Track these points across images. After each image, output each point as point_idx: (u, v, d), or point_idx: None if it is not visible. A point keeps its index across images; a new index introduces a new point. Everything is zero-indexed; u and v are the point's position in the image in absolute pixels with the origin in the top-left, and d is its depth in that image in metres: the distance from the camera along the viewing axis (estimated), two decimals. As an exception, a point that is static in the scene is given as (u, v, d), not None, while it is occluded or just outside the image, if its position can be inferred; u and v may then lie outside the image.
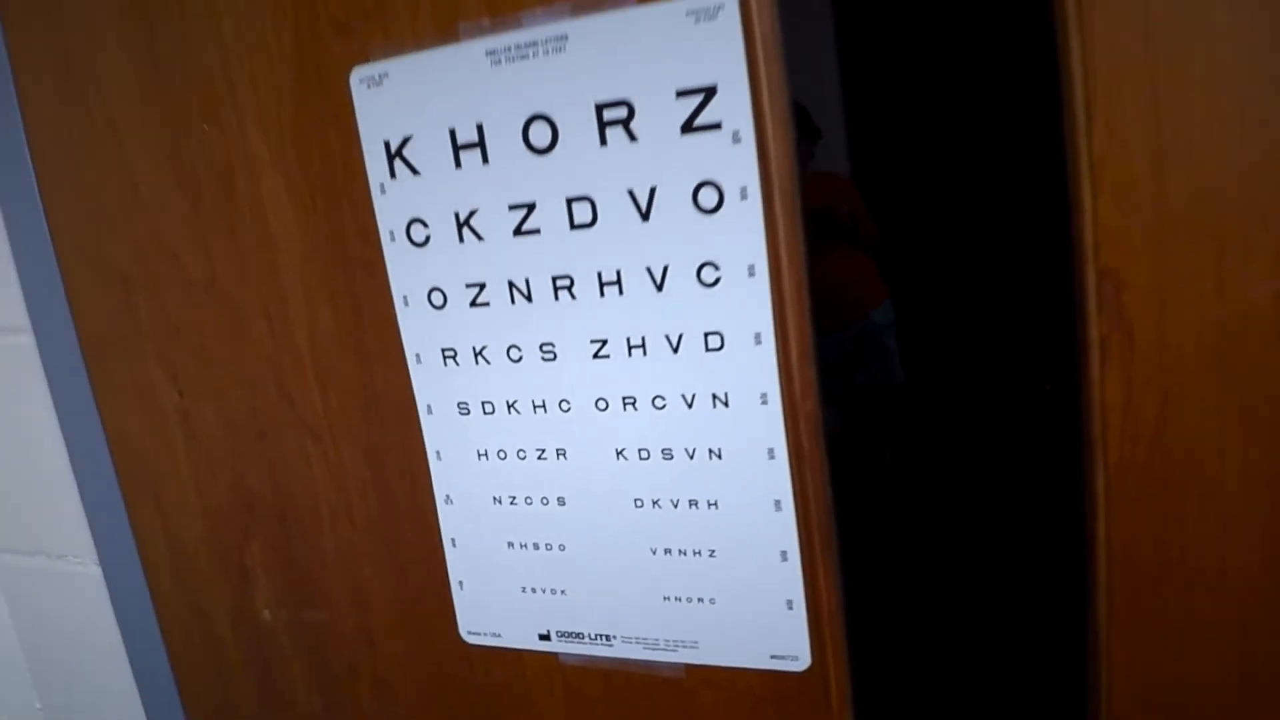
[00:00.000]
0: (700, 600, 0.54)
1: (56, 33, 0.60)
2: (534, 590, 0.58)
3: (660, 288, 0.49)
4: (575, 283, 0.50)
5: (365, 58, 0.51)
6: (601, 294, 0.50)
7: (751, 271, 0.47)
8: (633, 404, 0.52)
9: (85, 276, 0.65)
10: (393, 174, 0.53)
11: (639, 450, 0.53)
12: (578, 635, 0.58)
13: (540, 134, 0.49)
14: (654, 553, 0.54)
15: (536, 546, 0.58)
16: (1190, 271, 0.41)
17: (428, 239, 0.53)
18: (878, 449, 1.37)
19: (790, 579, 0.52)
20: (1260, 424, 0.41)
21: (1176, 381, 0.42)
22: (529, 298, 0.52)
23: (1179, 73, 0.39)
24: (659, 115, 0.46)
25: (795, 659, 0.53)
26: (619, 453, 0.53)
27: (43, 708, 0.88)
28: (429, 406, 0.58)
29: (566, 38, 0.47)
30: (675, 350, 0.50)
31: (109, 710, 0.82)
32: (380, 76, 0.51)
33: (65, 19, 0.60)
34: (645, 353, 0.50)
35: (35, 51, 0.62)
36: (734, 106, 0.45)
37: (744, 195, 0.46)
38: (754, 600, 0.53)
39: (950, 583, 1.12)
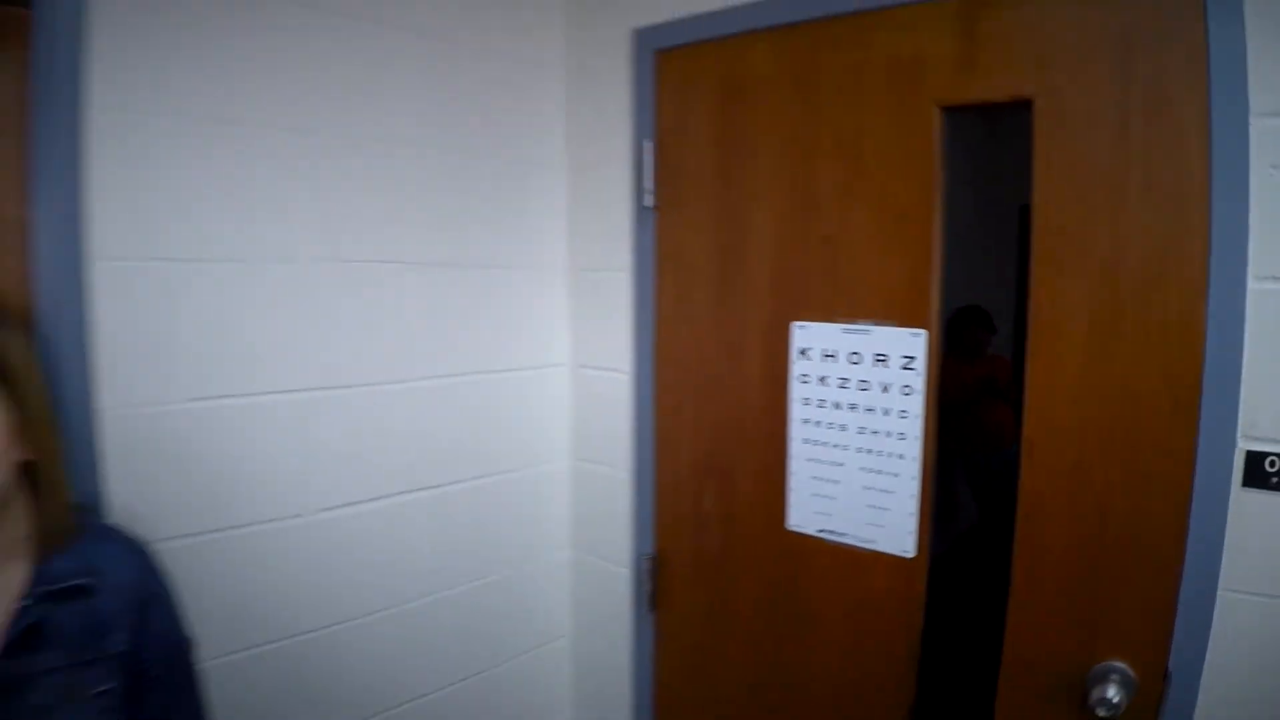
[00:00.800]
0: (879, 526, 1.51)
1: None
2: (819, 505, 1.57)
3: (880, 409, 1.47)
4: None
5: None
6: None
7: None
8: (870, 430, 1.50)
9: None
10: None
11: (874, 449, 1.50)
12: (834, 531, 1.57)
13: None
14: (867, 490, 1.52)
15: (822, 481, 1.56)
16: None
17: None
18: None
19: (914, 518, 1.47)
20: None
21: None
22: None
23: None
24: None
25: (908, 552, 1.49)
26: (859, 449, 1.51)
27: (573, 462, 1.94)
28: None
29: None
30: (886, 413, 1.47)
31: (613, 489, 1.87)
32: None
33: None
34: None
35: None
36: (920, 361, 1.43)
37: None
38: (901, 528, 1.49)
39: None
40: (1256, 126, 1.12)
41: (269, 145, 1.41)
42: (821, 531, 1.57)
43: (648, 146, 1.72)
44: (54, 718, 0.93)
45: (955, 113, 1.37)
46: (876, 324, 1.47)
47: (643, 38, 1.72)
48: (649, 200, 1.73)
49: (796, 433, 1.59)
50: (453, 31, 1.65)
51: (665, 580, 1.83)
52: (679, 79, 1.68)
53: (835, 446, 1.54)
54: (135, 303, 1.27)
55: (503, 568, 1.87)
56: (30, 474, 0.98)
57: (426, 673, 1.74)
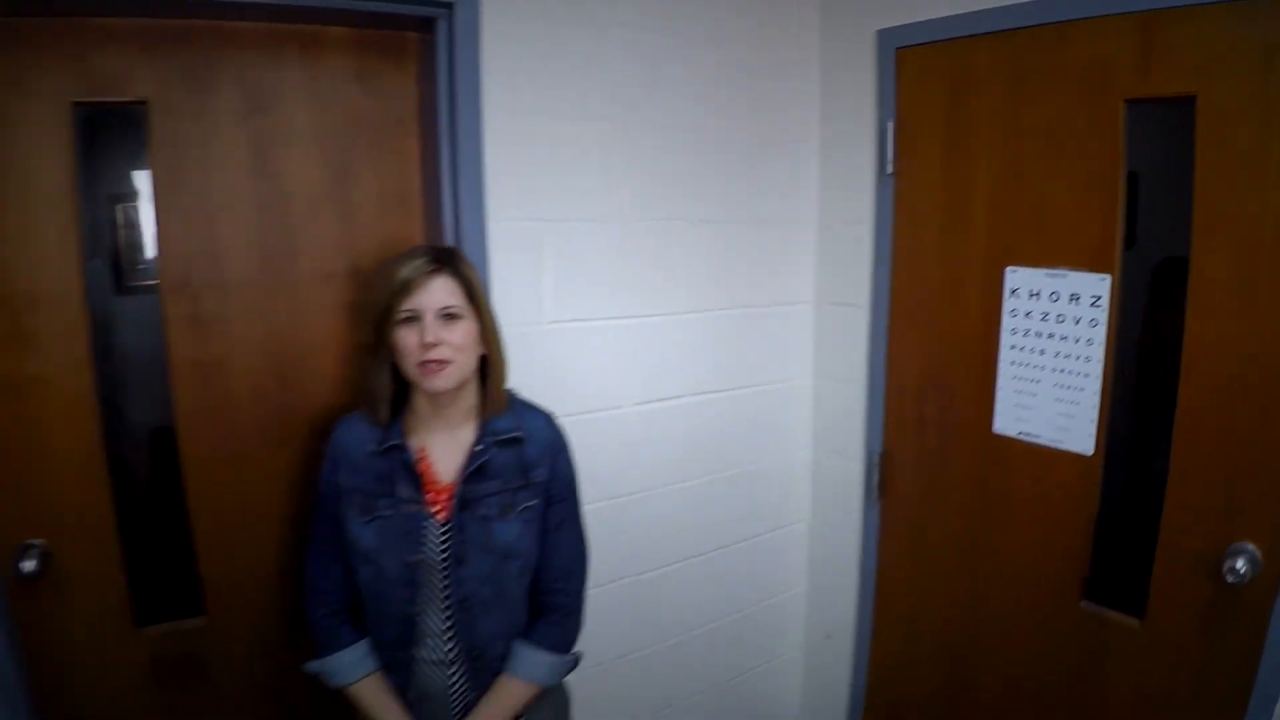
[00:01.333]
0: (1066, 430, 1.90)
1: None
2: (1019, 413, 1.99)
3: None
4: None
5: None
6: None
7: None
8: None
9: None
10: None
11: (1065, 369, 1.90)
12: (1030, 433, 1.98)
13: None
14: (1058, 401, 1.91)
15: (1023, 394, 1.97)
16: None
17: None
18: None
19: (1094, 424, 1.86)
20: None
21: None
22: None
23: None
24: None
25: (1088, 451, 1.87)
26: (1053, 369, 1.91)
27: (815, 379, 2.44)
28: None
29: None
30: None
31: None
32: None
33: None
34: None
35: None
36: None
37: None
38: (1083, 432, 1.88)
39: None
40: None
41: (597, 132, 1.97)
42: (1020, 434, 1.99)
43: (890, 125, 2.16)
44: (494, 525, 1.49)
45: (1135, 105, 1.71)
46: (1071, 270, 1.86)
47: (885, 38, 2.15)
48: (889, 168, 2.18)
49: (1005, 355, 2.00)
50: (725, 37, 2.15)
51: (889, 473, 2.31)
52: (915, 72, 2.10)
53: (1034, 367, 1.95)
54: (516, 251, 1.89)
55: (757, 460, 2.42)
56: (481, 364, 1.54)
57: (699, 535, 2.33)
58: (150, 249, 1.71)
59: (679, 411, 2.22)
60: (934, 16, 2.03)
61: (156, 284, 1.67)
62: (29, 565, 1.61)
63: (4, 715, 1.57)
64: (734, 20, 2.16)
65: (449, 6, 1.75)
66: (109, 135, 1.68)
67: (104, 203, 1.73)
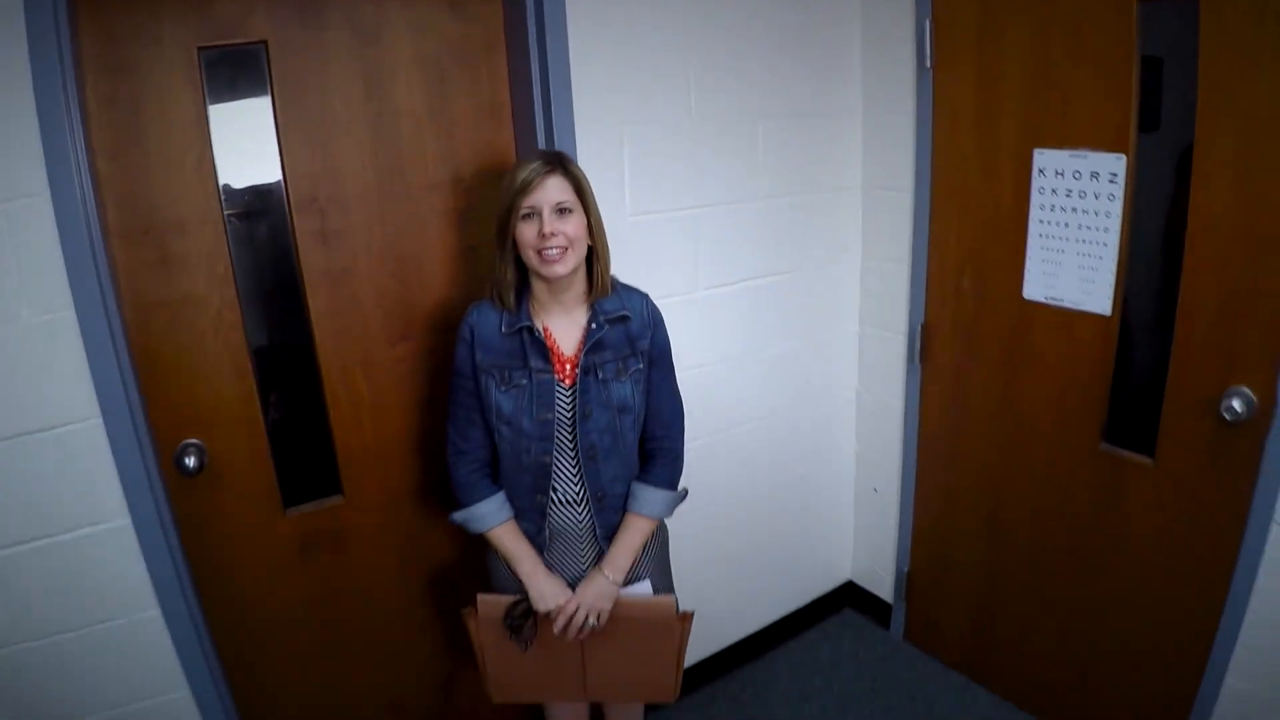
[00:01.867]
0: (1087, 294, 2.15)
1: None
2: (1046, 280, 2.24)
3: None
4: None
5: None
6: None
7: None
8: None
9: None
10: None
11: (1086, 239, 2.14)
12: (1056, 298, 2.23)
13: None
14: (1080, 268, 2.16)
15: (1049, 263, 2.22)
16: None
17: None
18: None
19: (1111, 287, 2.11)
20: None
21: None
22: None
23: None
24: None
25: (1106, 312, 2.12)
26: (1076, 239, 2.15)
27: (862, 260, 2.73)
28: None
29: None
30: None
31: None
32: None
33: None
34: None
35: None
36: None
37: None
38: (1102, 294, 2.13)
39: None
40: None
41: (669, 41, 2.19)
42: (1048, 298, 2.24)
43: (927, 24, 2.34)
44: (611, 385, 1.77)
45: (1146, 3, 1.90)
46: (1091, 150, 2.07)
47: (924, -57, 2.31)
48: (928, 63, 2.37)
49: (1034, 229, 2.23)
50: None
51: (929, 342, 2.58)
52: (951, -26, 2.28)
53: (1060, 239, 2.18)
54: (600, 153, 2.08)
55: (811, 335, 2.70)
56: (588, 255, 1.78)
57: (761, 402, 2.64)
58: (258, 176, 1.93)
59: (743, 293, 2.49)
60: (968, -79, 2.18)
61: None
62: (191, 462, 1.90)
63: (168, 597, 1.87)
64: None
65: (531, -65, 1.92)
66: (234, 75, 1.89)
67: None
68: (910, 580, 2.85)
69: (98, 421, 1.73)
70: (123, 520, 1.79)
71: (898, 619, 2.93)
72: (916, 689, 2.71)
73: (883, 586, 2.97)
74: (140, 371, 1.80)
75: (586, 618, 1.80)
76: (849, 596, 3.11)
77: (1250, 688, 2.01)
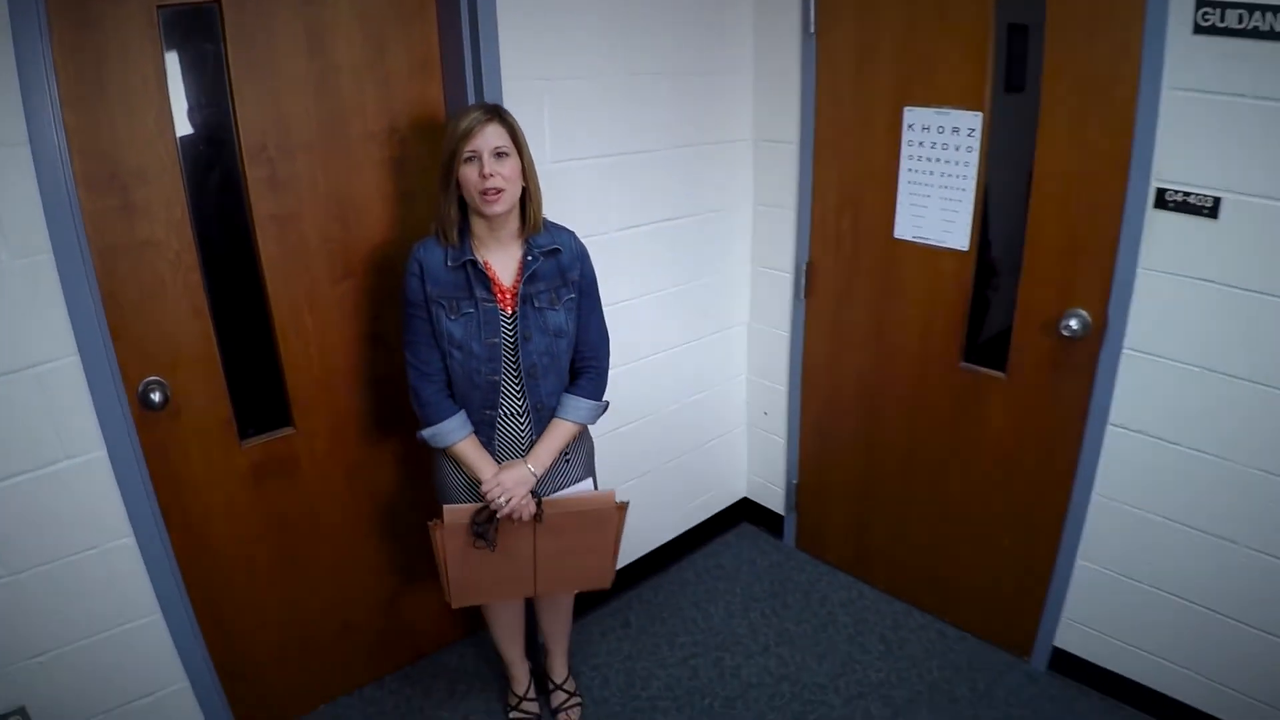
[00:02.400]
0: (948, 232, 2.51)
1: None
2: (914, 221, 2.59)
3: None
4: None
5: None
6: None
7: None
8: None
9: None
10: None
11: (948, 186, 2.50)
12: (922, 236, 2.59)
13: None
14: (942, 210, 2.52)
15: (917, 206, 2.57)
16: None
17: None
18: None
19: (968, 227, 2.47)
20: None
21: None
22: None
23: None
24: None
25: (964, 248, 2.49)
26: (939, 186, 2.51)
27: (754, 205, 3.05)
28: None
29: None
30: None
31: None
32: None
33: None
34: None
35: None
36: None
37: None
38: (961, 233, 2.49)
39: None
40: (1176, 1, 1.94)
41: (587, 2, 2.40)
42: (915, 237, 2.59)
43: (812, -7, 2.64)
44: (546, 313, 2.00)
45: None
46: (953, 108, 2.41)
47: (809, -85, 2.59)
48: (812, 29, 2.66)
49: (904, 177, 2.56)
50: None
51: (813, 279, 2.91)
52: (833, -54, 2.57)
53: (925, 185, 2.52)
54: (523, 104, 2.26)
55: (710, 274, 2.98)
56: (523, 195, 2.00)
57: (667, 334, 2.92)
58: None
59: (648, 235, 2.74)
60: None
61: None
62: (155, 398, 2.03)
63: (141, 526, 2.03)
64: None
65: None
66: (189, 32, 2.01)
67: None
68: (799, 493, 3.21)
69: (75, 359, 1.86)
70: (99, 453, 1.93)
71: (789, 528, 3.30)
72: (809, 587, 3.08)
73: (775, 500, 3.33)
74: (108, 312, 1.92)
75: (515, 499, 2.03)
76: (745, 511, 3.47)
77: (1099, 569, 2.43)
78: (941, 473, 2.73)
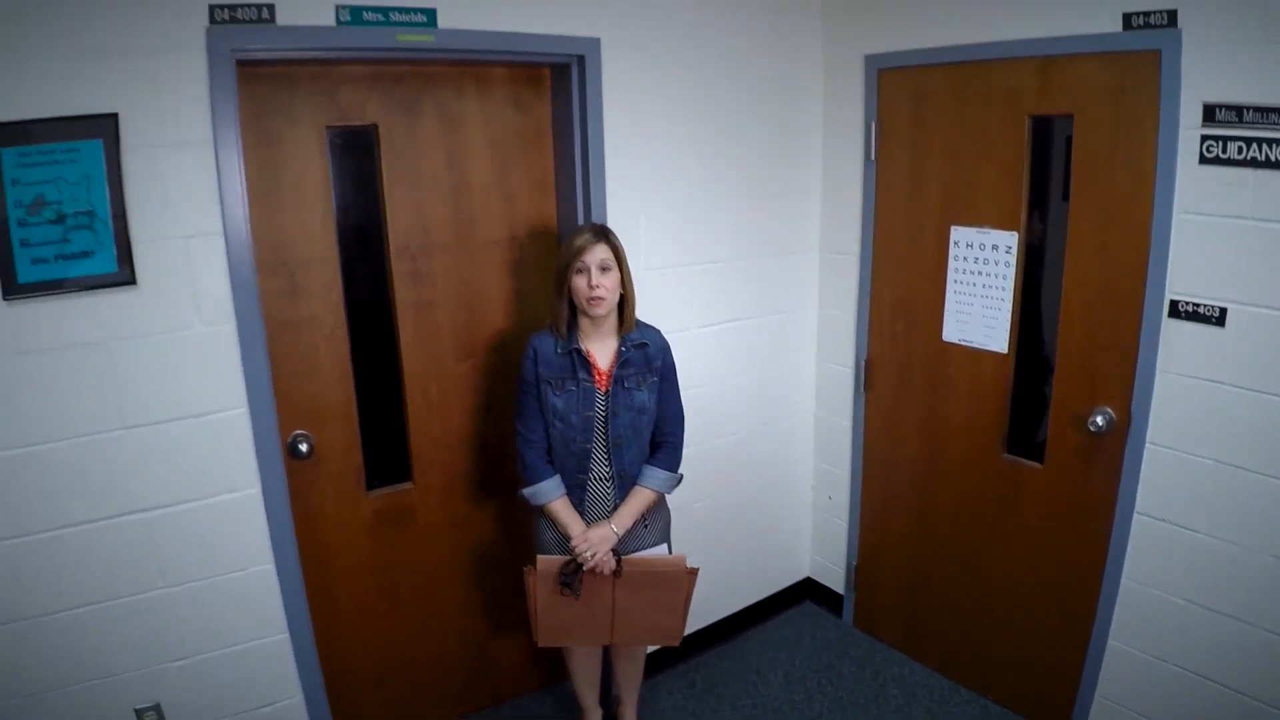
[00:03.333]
0: (989, 336, 2.83)
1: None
2: (959, 325, 2.92)
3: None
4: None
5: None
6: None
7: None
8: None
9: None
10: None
11: (988, 295, 2.83)
12: (966, 339, 2.91)
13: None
14: (984, 316, 2.85)
15: (961, 312, 2.90)
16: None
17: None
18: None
19: (1007, 331, 2.79)
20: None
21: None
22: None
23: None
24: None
25: (1004, 350, 2.80)
26: (981, 295, 2.84)
27: (819, 309, 3.40)
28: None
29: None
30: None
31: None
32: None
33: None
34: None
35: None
36: (1013, 248, 2.72)
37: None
38: (1000, 337, 2.81)
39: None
40: (1182, 136, 2.26)
41: (676, 136, 2.85)
42: (960, 340, 2.90)
43: (873, 125, 3.04)
44: (634, 393, 2.37)
45: (1036, 119, 2.60)
46: (993, 229, 2.76)
47: (870, 60, 3.01)
48: (872, 156, 3.06)
49: (951, 287, 2.90)
50: (759, 60, 3.01)
51: (871, 374, 3.24)
52: (891, 86, 2.97)
53: (969, 294, 2.85)
54: (622, 221, 2.70)
55: (776, 367, 3.34)
56: (621, 300, 2.38)
57: (741, 419, 3.26)
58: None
59: (726, 332, 3.13)
60: (906, 48, 2.88)
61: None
62: (303, 448, 2.46)
63: (281, 555, 2.39)
64: (764, 49, 3.02)
65: (581, 57, 2.58)
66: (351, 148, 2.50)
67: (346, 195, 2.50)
68: (857, 573, 3.46)
69: (244, 411, 2.27)
70: (254, 490, 2.32)
71: (848, 607, 3.53)
72: (863, 662, 3.30)
73: (835, 580, 3.58)
74: (273, 374, 2.34)
75: (599, 555, 2.34)
76: (808, 590, 3.71)
77: (1129, 649, 2.59)
78: (986, 556, 2.96)
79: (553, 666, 3.02)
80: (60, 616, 2.11)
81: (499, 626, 2.96)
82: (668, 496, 2.53)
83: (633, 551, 2.45)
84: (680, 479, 2.50)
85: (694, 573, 2.44)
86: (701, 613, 3.27)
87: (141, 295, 2.08)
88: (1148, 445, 2.44)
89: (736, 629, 3.47)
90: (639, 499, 2.43)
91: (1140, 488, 2.47)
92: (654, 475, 2.44)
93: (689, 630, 3.16)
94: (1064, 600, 2.74)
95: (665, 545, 2.52)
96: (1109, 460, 2.55)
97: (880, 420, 3.25)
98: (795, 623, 3.57)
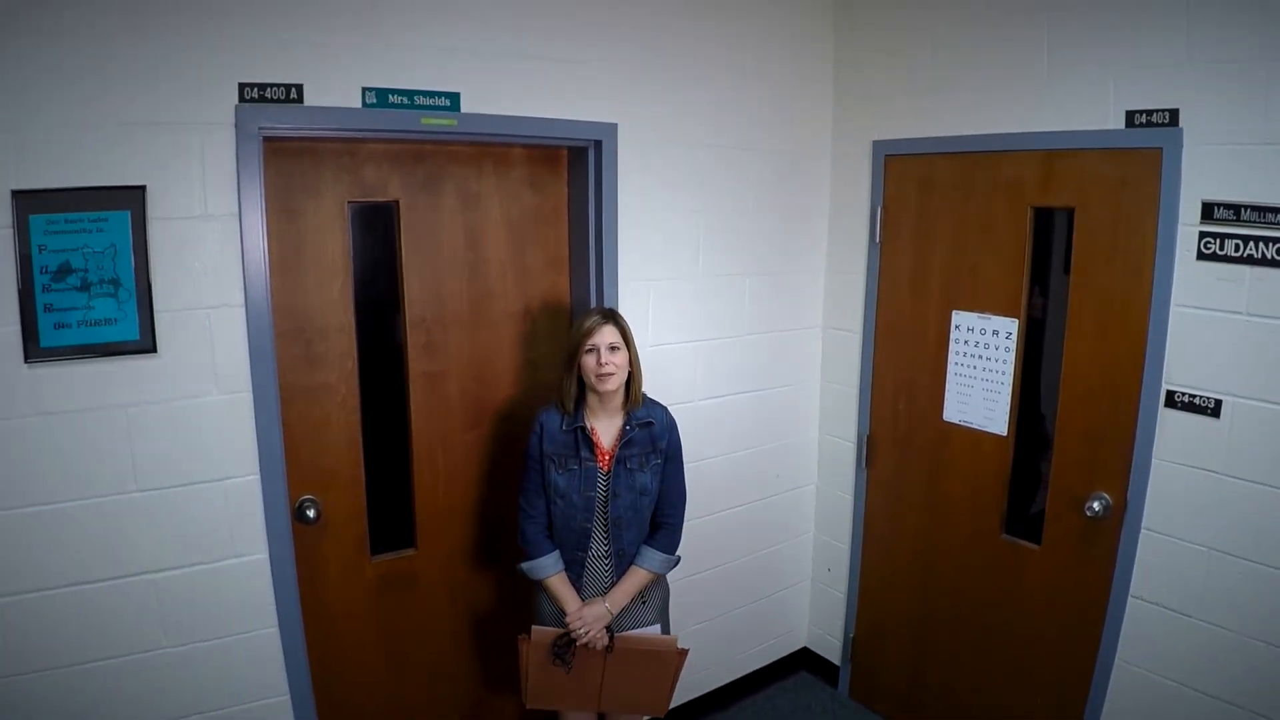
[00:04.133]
0: (989, 418, 2.88)
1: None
2: (960, 406, 2.97)
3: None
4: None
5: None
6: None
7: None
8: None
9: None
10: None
11: (988, 379, 2.88)
12: (967, 420, 2.96)
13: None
14: (984, 399, 2.90)
15: (962, 393, 2.95)
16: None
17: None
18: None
19: (1006, 414, 2.84)
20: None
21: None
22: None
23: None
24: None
25: (1003, 432, 2.85)
26: (982, 379, 2.89)
27: (821, 383, 3.46)
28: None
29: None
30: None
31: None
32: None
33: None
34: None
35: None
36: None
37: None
38: (1000, 418, 2.86)
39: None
40: (1181, 232, 2.34)
41: (688, 218, 2.92)
42: (960, 420, 2.95)
43: (878, 210, 3.12)
44: (636, 474, 2.40)
45: (1038, 210, 2.68)
46: (994, 314, 2.82)
47: (878, 147, 3.10)
48: (877, 239, 3.14)
49: (951, 369, 2.95)
50: (769, 142, 3.10)
51: (873, 449, 3.28)
52: (897, 172, 3.05)
53: (970, 377, 2.91)
54: (633, 298, 2.77)
55: (782, 439, 3.39)
56: (628, 378, 2.42)
57: (743, 490, 3.30)
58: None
59: (730, 404, 3.18)
60: (912, 136, 2.98)
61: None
62: (311, 514, 2.48)
63: (286, 618, 2.41)
64: (776, 133, 3.12)
65: (599, 142, 2.67)
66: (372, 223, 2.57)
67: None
68: (855, 645, 3.47)
69: (255, 477, 2.31)
70: (261, 555, 2.35)
71: (844, 679, 3.53)
72: (858, 737, 3.31)
73: (833, 651, 3.58)
74: (285, 441, 2.38)
75: (592, 633, 2.36)
76: (804, 660, 3.71)
77: None
78: (983, 633, 2.98)
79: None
80: (62, 671, 2.13)
81: (493, 690, 2.96)
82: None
83: (628, 628, 2.47)
84: (678, 560, 2.53)
85: (684, 653, 2.46)
86: (695, 680, 3.28)
87: (162, 362, 2.13)
88: (1143, 531, 2.48)
89: (731, 698, 3.47)
90: (635, 579, 2.45)
91: (1135, 572, 2.50)
92: (651, 557, 2.47)
93: (683, 699, 3.20)
94: (1059, 677, 2.75)
95: (658, 626, 2.54)
96: (1105, 544, 2.58)
97: (881, 495, 3.28)
98: (790, 693, 3.57)
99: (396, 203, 2.53)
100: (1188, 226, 2.31)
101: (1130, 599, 2.53)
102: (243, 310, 2.23)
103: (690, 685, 3.25)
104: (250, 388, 2.26)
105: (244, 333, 2.24)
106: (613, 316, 2.38)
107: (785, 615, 3.62)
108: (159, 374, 2.14)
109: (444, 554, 2.77)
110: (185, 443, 2.20)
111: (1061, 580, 2.72)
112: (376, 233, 2.56)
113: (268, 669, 2.42)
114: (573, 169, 2.75)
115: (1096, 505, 2.57)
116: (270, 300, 2.26)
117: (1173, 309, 2.36)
